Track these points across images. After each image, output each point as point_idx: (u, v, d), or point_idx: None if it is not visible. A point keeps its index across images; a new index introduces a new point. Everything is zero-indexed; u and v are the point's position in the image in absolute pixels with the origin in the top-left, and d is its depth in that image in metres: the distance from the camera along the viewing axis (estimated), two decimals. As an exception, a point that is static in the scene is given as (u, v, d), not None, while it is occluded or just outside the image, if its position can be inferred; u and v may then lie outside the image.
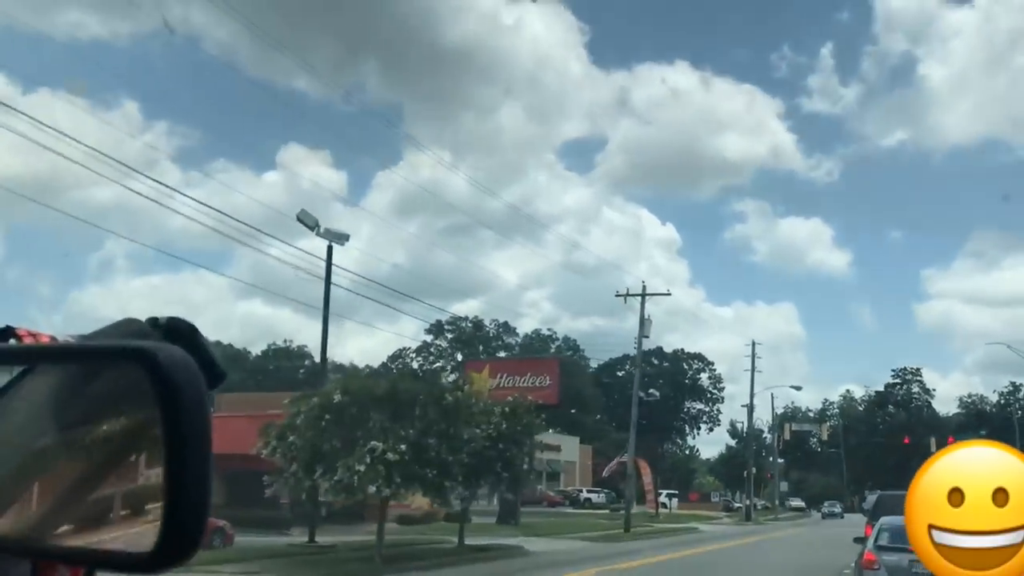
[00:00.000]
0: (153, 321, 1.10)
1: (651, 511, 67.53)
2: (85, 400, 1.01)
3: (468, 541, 31.36)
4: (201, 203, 44.65)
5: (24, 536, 0.99)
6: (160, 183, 50.67)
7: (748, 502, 75.64)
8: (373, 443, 21.93)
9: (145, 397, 0.91)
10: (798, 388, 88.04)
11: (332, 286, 46.36)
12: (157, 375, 0.88)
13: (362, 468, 21.51)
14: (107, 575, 1.06)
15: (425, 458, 22.83)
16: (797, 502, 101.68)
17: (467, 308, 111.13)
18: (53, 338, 1.12)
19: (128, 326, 1.10)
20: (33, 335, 1.11)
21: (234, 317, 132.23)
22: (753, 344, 78.38)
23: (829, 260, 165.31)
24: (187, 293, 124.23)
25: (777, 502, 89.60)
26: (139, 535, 0.93)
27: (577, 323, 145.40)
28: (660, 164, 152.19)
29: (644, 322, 44.36)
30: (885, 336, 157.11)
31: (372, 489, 22.16)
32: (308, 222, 28.04)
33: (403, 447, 21.95)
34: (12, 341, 1.09)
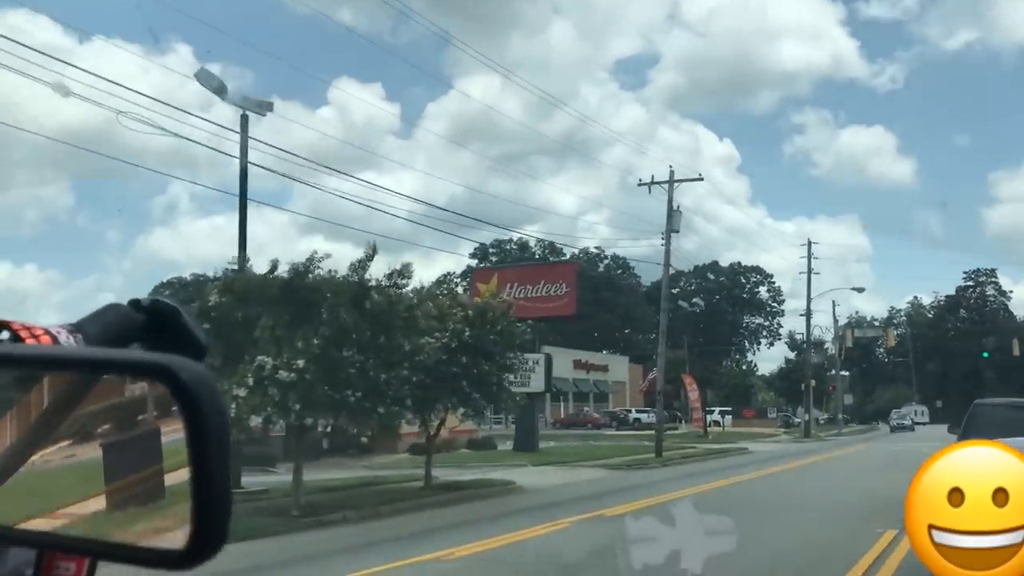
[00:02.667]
0: (136, 303, 1.11)
1: (699, 430, 62.21)
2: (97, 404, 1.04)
3: (463, 475, 26.01)
4: (258, 140, 40.58)
5: (41, 528, 1.02)
6: (216, 123, 47.20)
7: (807, 417, 69.23)
8: (261, 358, 16.14)
9: (158, 404, 0.99)
10: (860, 290, 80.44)
11: (392, 216, 41.61)
12: (179, 390, 0.93)
13: (242, 392, 15.75)
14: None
15: (340, 377, 16.98)
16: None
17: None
18: (48, 332, 1.07)
19: (113, 312, 1.10)
20: (28, 329, 1.05)
21: (296, 252, 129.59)
22: (809, 243, 71.46)
23: (893, 168, 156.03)
24: (251, 230, 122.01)
25: (841, 415, 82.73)
26: (161, 533, 0.97)
27: (637, 245, 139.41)
28: (716, 78, 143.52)
29: (672, 214, 37.77)
30: (953, 243, 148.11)
31: (257, 420, 16.45)
32: (210, 84, 21.90)
33: (301, 363, 16.12)
34: (5, 335, 1.04)
